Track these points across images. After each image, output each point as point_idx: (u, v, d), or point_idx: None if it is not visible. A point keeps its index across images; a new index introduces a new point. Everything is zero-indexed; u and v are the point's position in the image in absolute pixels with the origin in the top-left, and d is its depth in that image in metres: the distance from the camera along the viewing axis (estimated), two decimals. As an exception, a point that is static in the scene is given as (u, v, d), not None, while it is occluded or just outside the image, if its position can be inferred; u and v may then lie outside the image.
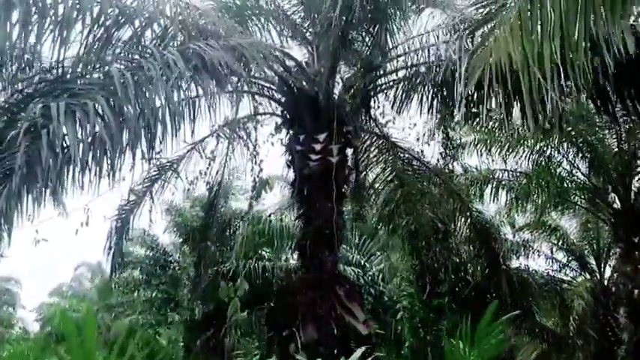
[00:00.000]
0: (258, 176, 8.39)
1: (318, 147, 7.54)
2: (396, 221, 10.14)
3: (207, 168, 9.09)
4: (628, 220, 12.65)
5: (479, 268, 10.67)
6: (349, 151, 7.93)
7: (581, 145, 12.90)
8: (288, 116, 8.00)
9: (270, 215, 16.00)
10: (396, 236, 10.72)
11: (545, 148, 13.39)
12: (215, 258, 17.52)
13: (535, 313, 13.14)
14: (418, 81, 8.17)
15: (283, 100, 8.01)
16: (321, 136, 7.57)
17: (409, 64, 8.06)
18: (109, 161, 7.14)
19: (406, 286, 11.95)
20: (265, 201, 12.00)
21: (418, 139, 9.12)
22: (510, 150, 13.52)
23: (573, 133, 12.77)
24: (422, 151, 9.44)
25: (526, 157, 13.69)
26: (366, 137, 8.99)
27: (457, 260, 10.39)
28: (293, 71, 7.65)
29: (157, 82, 5.58)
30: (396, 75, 8.48)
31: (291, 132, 8.01)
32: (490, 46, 6.49)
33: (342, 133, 7.65)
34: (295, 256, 19.39)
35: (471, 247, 10.37)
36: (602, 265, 20.44)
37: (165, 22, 6.26)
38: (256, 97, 8.24)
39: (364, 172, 9.34)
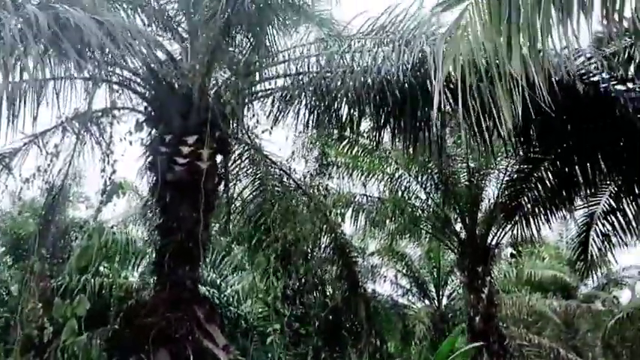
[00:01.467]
0: (110, 178, 7.33)
1: (186, 150, 6.77)
2: (260, 238, 9.57)
3: (49, 165, 7.80)
4: (473, 250, 13.33)
5: (339, 291, 10.45)
6: (219, 159, 7.24)
7: (436, 175, 13.44)
8: (152, 113, 7.13)
9: (113, 227, 14.53)
10: (255, 255, 10.11)
11: (403, 177, 13.79)
12: (45, 271, 15.52)
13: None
14: (296, 92, 7.80)
15: (149, 94, 7.14)
16: (191, 139, 6.82)
17: (288, 72, 7.65)
18: None
19: (262, 309, 11.39)
20: (107, 210, 10.75)
21: (293, 155, 8.73)
22: (371, 175, 13.75)
23: (430, 164, 13.29)
24: (293, 168, 9.04)
25: (385, 184, 14.03)
26: (237, 146, 8.36)
27: (318, 282, 10.07)
28: (164, 64, 6.83)
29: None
30: (275, 83, 8.03)
31: (154, 131, 7.13)
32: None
33: (214, 138, 6.97)
34: (137, 273, 17.92)
35: (334, 269, 10.14)
36: (441, 293, 21.69)
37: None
38: (115, 88, 7.26)
39: (232, 184, 8.67)
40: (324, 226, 9.98)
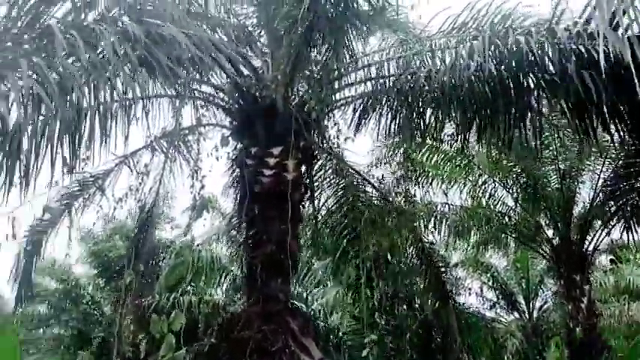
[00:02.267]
0: (199, 194, 7.41)
1: (272, 161, 6.73)
2: (345, 250, 9.39)
3: (140, 184, 8.00)
4: (568, 257, 12.56)
5: (428, 303, 10.08)
6: (304, 169, 7.15)
7: (523, 180, 12.81)
8: (237, 127, 7.15)
9: (199, 245, 14.83)
10: (340, 267, 9.93)
11: (487, 183, 13.24)
12: (138, 290, 16.07)
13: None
14: (378, 97, 7.63)
15: (233, 108, 7.17)
16: (276, 150, 6.78)
17: (370, 76, 7.47)
18: (22, 165, 6.05)
19: (351, 322, 11.17)
20: (194, 229, 10.92)
21: (378, 162, 8.53)
22: (452, 183, 13.28)
23: (516, 168, 12.70)
24: (376, 177, 8.83)
25: (468, 191, 13.51)
26: (320, 156, 8.26)
27: (407, 294, 9.75)
28: (247, 77, 6.85)
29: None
30: (355, 90, 7.88)
31: (240, 145, 7.15)
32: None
33: (299, 148, 6.89)
34: (220, 290, 18.13)
35: (422, 281, 9.79)
36: (531, 305, 20.65)
37: None
38: (201, 104, 7.35)
39: (317, 194, 8.56)
40: (410, 235, 9.67)
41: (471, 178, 13.34)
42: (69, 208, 8.86)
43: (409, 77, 7.13)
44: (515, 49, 5.69)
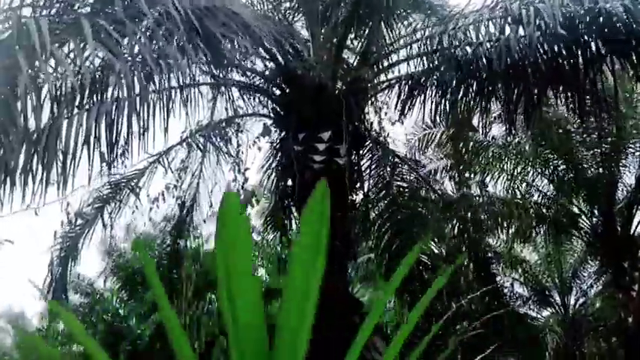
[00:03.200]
0: (242, 188, 6.99)
1: (322, 147, 6.31)
2: (389, 244, 8.91)
3: (178, 181, 7.60)
4: (613, 244, 12.04)
5: (481, 305, 9.60)
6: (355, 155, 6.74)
7: (564, 167, 12.34)
8: (282, 113, 6.74)
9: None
10: (384, 262, 9.44)
11: (524, 172, 12.75)
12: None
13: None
14: (424, 77, 7.18)
15: (276, 94, 6.77)
16: (325, 134, 6.36)
17: (419, 52, 6.99)
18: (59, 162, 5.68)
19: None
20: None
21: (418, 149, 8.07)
22: (486, 173, 12.79)
23: (557, 154, 12.24)
24: (421, 164, 8.39)
25: (502, 182, 13.02)
26: (367, 141, 7.82)
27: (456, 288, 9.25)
28: (293, 58, 6.44)
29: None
30: (399, 71, 7.44)
31: (284, 133, 6.74)
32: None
33: (349, 132, 6.47)
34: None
35: (475, 281, 9.32)
36: (566, 299, 20.03)
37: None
38: (241, 93, 6.97)
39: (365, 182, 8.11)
40: (458, 225, 9.21)
41: (505, 168, 12.86)
42: (101, 211, 8.46)
43: (458, 52, 6.69)
44: (586, 8, 5.28)
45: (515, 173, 12.78)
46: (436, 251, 9.19)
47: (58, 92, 6.62)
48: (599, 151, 11.98)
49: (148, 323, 15.88)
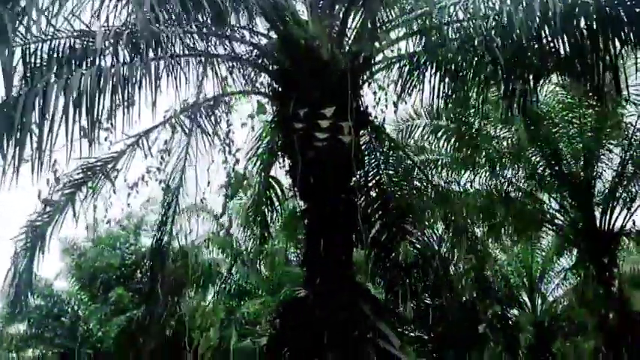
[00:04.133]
0: (233, 170, 6.46)
1: (325, 123, 5.84)
2: (382, 237, 8.49)
3: (162, 163, 6.98)
4: (594, 239, 11.99)
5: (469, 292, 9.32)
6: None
7: (546, 161, 12.23)
8: (279, 89, 6.25)
9: (197, 245, 13.73)
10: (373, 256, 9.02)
11: (506, 168, 12.58)
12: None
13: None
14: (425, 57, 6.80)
15: (274, 67, 6.27)
16: (329, 111, 5.89)
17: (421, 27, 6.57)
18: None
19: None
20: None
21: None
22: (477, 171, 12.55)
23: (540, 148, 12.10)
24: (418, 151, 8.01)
25: (483, 176, 12.83)
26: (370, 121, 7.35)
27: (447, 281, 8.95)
28: (293, 28, 5.95)
29: None
30: (398, 50, 7.04)
31: (283, 109, 6.23)
32: None
33: (352, 109, 6.03)
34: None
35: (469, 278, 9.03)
36: (536, 299, 20.12)
37: None
38: (234, 65, 6.44)
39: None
40: (450, 216, 8.89)
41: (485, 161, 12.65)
42: (72, 198, 7.74)
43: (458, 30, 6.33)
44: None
45: (499, 167, 12.61)
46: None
47: (33, 57, 6.00)
48: (580, 145, 11.92)
49: (111, 325, 15.04)
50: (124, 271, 17.28)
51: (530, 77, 6.56)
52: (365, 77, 6.66)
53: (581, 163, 12.11)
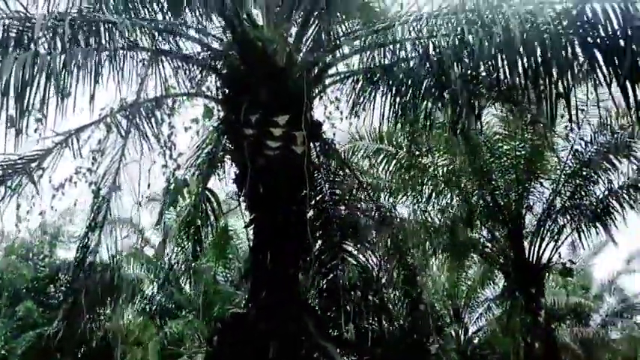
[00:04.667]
0: (173, 175, 6.03)
1: (277, 132, 5.57)
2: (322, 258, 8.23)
3: (93, 164, 6.42)
4: (523, 270, 12.25)
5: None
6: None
7: (480, 191, 12.45)
8: (230, 93, 5.92)
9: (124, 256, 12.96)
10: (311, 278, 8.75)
11: (443, 194, 12.71)
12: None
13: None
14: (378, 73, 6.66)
15: (225, 69, 5.95)
16: (282, 119, 5.64)
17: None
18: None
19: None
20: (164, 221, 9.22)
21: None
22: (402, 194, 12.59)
23: (473, 178, 12.31)
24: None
25: (417, 202, 12.89)
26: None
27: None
28: (248, 30, 5.67)
29: None
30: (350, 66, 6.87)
31: (233, 113, 5.90)
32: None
33: (306, 120, 5.80)
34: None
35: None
36: (460, 329, 20.41)
37: None
38: (171, 72, 6.09)
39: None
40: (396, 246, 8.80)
41: (423, 188, 12.74)
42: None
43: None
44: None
45: (435, 193, 12.70)
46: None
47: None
48: (514, 176, 12.22)
49: (19, 342, 13.81)
50: (35, 285, 16.09)
51: (478, 104, 6.64)
52: (318, 90, 6.45)
53: (514, 195, 12.40)
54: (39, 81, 4.93)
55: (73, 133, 6.77)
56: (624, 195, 11.77)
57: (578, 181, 11.76)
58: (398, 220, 9.45)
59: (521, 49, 5.10)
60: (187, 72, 6.28)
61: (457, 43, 5.65)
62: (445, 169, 12.40)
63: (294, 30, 6.08)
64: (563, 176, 11.98)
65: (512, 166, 12.17)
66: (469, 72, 5.98)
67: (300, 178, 5.48)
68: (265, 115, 5.62)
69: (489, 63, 5.62)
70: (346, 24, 6.89)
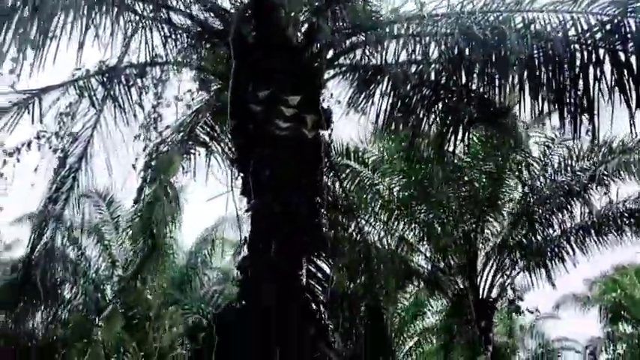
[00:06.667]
0: (157, 150, 5.26)
1: (289, 112, 4.98)
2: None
3: (61, 128, 5.49)
4: (477, 304, 12.05)
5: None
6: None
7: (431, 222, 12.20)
8: (239, 63, 5.25)
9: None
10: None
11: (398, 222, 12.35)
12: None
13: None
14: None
15: (236, 38, 5.28)
16: (293, 99, 5.05)
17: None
18: None
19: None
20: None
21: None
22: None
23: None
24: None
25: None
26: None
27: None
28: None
29: None
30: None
31: (237, 89, 5.22)
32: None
33: (317, 105, 5.27)
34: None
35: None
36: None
37: None
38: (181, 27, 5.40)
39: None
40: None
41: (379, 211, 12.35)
42: None
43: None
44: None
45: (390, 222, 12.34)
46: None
47: None
48: (471, 207, 12.09)
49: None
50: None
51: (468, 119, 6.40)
52: (325, 77, 5.93)
53: (469, 226, 12.26)
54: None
55: (37, 92, 5.83)
56: (575, 237, 11.84)
57: (535, 216, 11.78)
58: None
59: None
60: (179, 39, 5.56)
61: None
62: (400, 194, 12.13)
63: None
64: (519, 210, 11.98)
65: (469, 197, 12.05)
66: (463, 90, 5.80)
67: (316, 162, 4.93)
68: (276, 92, 5.02)
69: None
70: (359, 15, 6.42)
